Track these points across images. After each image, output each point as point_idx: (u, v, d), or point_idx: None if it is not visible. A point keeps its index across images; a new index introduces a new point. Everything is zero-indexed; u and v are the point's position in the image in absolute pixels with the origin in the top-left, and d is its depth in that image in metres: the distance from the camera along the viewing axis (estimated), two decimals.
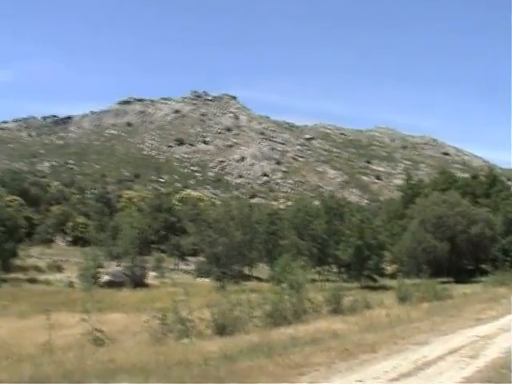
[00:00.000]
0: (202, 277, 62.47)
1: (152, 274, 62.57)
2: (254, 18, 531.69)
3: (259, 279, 70.33)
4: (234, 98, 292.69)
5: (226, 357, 12.05)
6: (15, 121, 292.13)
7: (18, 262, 61.48)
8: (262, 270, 75.82)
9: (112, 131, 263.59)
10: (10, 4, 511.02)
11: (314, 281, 54.49)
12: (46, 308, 22.52)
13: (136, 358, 11.95)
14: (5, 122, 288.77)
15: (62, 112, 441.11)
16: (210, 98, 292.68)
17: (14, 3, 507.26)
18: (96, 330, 15.64)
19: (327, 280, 62.23)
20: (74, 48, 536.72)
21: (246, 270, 74.47)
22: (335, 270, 73.00)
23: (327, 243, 67.49)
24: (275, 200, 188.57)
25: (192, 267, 76.57)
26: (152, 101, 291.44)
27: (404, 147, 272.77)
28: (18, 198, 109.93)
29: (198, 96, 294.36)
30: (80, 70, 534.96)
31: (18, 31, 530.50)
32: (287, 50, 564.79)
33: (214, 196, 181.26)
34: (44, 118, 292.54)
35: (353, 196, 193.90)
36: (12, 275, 54.10)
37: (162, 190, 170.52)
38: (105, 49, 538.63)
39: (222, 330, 17.20)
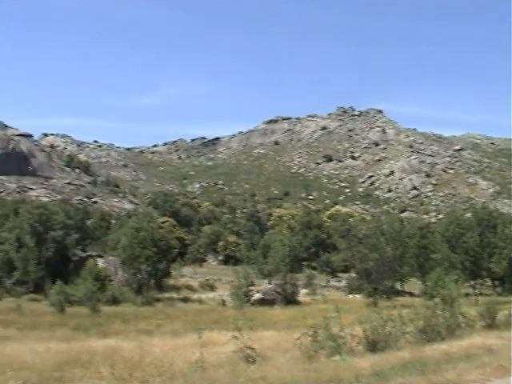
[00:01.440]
0: (353, 293, 61.63)
1: (303, 291, 62.32)
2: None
3: (411, 294, 68.58)
4: (380, 111, 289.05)
5: (378, 374, 11.55)
6: (165, 144, 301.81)
7: (171, 281, 62.75)
8: (414, 284, 74.00)
9: (260, 150, 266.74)
10: (155, 36, 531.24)
11: (467, 295, 52.48)
12: (198, 326, 22.64)
13: (287, 375, 11.67)
14: (155, 146, 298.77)
15: (210, 133, 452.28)
16: (356, 112, 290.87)
17: (159, 36, 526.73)
18: (247, 347, 15.45)
19: (481, 294, 59.83)
20: (219, 70, 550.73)
21: (398, 286, 72.95)
22: (489, 283, 70.20)
23: (480, 256, 64.89)
24: (426, 213, 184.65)
25: (343, 283, 75.81)
26: (298, 118, 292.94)
27: None
28: (170, 219, 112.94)
29: (345, 111, 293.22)
30: (226, 91, 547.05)
31: (163, 59, 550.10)
32: (431, 56, 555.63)
33: (363, 211, 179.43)
34: (193, 140, 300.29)
35: (506, 207, 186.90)
36: (166, 294, 55.26)
37: (312, 207, 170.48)
38: (248, 70, 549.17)
39: (373, 346, 16.62)
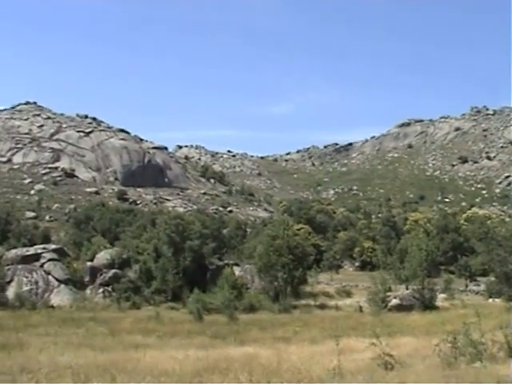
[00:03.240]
0: (492, 297, 59.83)
1: (441, 295, 61.00)
2: None
3: None
4: None
5: None
6: (298, 151, 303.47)
7: (307, 288, 62.78)
8: None
9: (393, 154, 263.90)
10: (287, 43, 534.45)
11: None
12: (335, 333, 22.54)
13: (427, 382, 11.47)
14: (288, 154, 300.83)
15: (342, 139, 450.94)
16: (490, 112, 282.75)
17: (291, 43, 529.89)
18: (386, 354, 15.27)
19: None
20: (349, 75, 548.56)
21: None
22: None
23: None
24: None
25: (482, 288, 73.71)
26: (431, 120, 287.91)
27: None
28: (305, 226, 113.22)
29: (478, 111, 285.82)
30: (357, 96, 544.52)
31: (295, 66, 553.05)
32: None
33: (501, 213, 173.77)
34: (325, 147, 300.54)
35: None
36: (302, 301, 55.32)
37: (448, 209, 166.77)
38: (378, 73, 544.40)
39: None
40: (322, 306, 52.96)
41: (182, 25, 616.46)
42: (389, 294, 52.84)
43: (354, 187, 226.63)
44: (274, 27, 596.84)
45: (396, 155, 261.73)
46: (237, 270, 59.68)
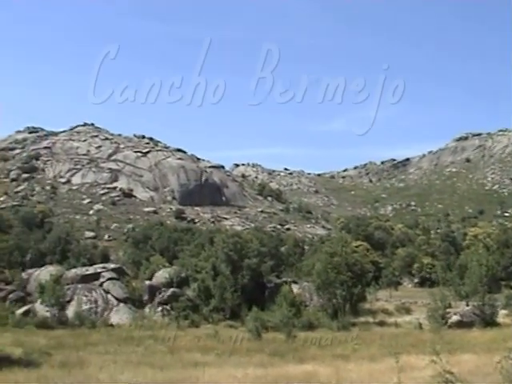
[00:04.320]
0: None
1: (502, 312, 59.96)
2: None
3: None
4: None
5: None
6: (355, 168, 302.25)
7: (366, 305, 62.34)
8: None
9: (451, 169, 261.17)
10: (336, 60, 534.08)
11: None
12: (394, 350, 22.38)
13: None
14: (345, 170, 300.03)
15: (399, 154, 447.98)
16: None
17: (342, 60, 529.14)
18: (446, 371, 15.08)
19: None
20: (404, 91, 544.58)
21: None
22: None
23: None
24: None
25: None
26: (489, 134, 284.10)
27: None
28: (363, 242, 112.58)
29: None
30: (413, 111, 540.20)
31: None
32: None
33: None
34: (383, 163, 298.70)
35: None
36: (361, 319, 54.84)
37: (508, 224, 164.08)
38: (432, 89, 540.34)
39: None
40: (381, 323, 52.52)
41: (234, 44, 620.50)
42: (449, 310, 52.17)
43: (412, 203, 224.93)
44: (326, 45, 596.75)
45: (454, 170, 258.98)
46: (295, 288, 59.49)
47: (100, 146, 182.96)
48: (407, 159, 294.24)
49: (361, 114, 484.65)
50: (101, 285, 53.89)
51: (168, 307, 53.16)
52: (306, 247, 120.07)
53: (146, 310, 53.37)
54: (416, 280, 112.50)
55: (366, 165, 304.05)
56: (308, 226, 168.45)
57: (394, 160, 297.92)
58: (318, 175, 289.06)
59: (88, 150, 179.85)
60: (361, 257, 73.14)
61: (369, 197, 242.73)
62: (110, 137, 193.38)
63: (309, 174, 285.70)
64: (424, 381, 16.25)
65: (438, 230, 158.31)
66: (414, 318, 55.72)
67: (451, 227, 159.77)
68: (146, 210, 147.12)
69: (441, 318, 48.75)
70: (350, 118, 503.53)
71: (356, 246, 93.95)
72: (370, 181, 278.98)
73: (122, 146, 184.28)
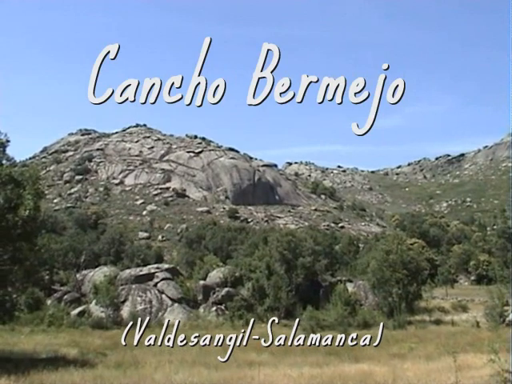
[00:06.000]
0: None
1: None
2: None
3: None
4: None
5: None
6: (409, 164, 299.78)
7: (422, 303, 61.67)
8: None
9: (508, 164, 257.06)
10: (397, 55, 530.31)
11: None
12: (451, 349, 22.01)
13: None
14: (399, 167, 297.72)
15: (454, 150, 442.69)
16: None
17: (400, 56, 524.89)
18: (505, 370, 14.79)
19: None
20: (458, 85, 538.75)
21: None
22: None
23: None
24: None
25: None
26: None
27: None
28: (418, 240, 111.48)
29: None
30: (468, 105, 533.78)
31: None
32: None
33: None
34: (437, 159, 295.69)
35: None
36: (417, 317, 54.27)
37: None
38: (489, 83, 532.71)
39: None
40: (438, 322, 51.90)
41: (285, 42, 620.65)
42: (506, 308, 51.33)
43: (468, 199, 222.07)
44: (378, 41, 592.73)
45: (510, 164, 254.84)
46: (350, 287, 59.20)
47: (152, 147, 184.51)
48: (462, 154, 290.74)
49: (416, 109, 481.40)
50: (155, 285, 54.22)
51: (222, 307, 53.27)
52: (361, 245, 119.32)
53: (201, 309, 53.55)
54: (472, 277, 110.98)
55: (420, 161, 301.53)
56: (362, 223, 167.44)
57: (449, 156, 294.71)
58: (372, 172, 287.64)
59: (140, 151, 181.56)
60: (416, 254, 72.19)
61: (423, 193, 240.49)
62: (163, 137, 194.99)
63: (362, 171, 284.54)
64: (482, 380, 15.96)
65: (495, 227, 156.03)
66: (471, 316, 54.99)
67: (508, 223, 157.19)
68: (199, 209, 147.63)
69: (498, 316, 47.95)
70: (404, 113, 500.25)
71: (411, 244, 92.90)
72: (425, 177, 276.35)
73: (174, 146, 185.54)
